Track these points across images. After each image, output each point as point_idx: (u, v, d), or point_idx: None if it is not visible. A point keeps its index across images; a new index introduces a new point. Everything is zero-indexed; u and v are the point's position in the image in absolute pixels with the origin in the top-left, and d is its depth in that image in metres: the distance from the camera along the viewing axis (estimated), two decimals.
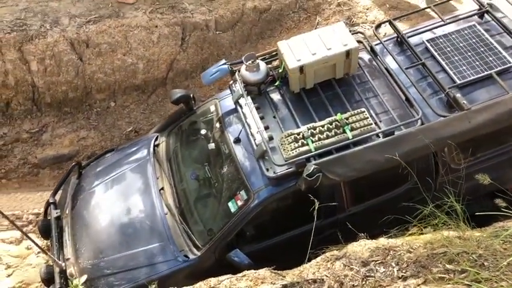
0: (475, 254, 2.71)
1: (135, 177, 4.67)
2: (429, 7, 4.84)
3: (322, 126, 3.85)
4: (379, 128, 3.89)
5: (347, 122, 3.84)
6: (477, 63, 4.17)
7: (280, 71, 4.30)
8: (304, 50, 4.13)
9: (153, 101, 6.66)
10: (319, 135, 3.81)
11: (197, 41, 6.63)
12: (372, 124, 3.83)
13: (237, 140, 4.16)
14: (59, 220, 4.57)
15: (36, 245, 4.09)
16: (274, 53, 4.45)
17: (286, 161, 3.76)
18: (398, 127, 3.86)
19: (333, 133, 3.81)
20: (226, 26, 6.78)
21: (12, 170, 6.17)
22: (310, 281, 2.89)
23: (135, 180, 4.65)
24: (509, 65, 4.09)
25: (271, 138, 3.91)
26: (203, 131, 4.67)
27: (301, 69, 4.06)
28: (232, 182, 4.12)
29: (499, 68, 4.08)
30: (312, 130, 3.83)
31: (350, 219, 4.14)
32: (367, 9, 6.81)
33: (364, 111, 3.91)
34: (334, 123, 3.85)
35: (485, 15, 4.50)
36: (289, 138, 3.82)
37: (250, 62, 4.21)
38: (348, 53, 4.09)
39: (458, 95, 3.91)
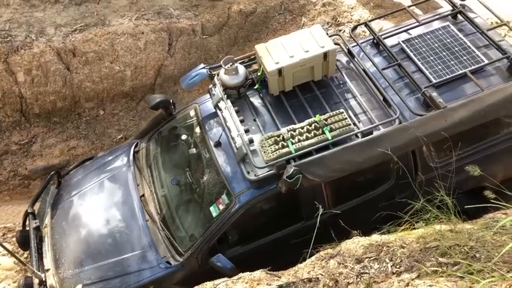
0: (467, 246, 2.72)
1: (115, 184, 4.60)
2: (404, 8, 4.90)
3: (302, 127, 3.85)
4: (358, 128, 3.90)
5: (326, 123, 3.84)
6: (452, 62, 4.22)
7: (259, 74, 4.29)
8: (282, 52, 4.13)
9: (142, 107, 6.63)
10: (299, 137, 3.80)
11: (184, 46, 6.63)
12: (350, 124, 3.84)
13: (218, 144, 4.13)
14: (38, 230, 4.47)
15: (14, 256, 4.00)
16: (253, 56, 4.44)
17: (267, 163, 3.74)
18: (377, 127, 3.89)
19: (312, 134, 3.81)
20: (213, 30, 6.80)
21: (3, 183, 6.09)
22: (305, 280, 2.89)
23: (115, 188, 4.58)
24: (482, 63, 4.15)
25: (251, 141, 3.89)
26: (183, 136, 4.63)
27: (280, 72, 4.06)
28: (214, 186, 4.08)
29: (473, 67, 4.13)
30: (292, 132, 3.83)
31: (332, 219, 4.15)
32: (351, 8, 6.85)
33: (342, 112, 3.92)
34: (313, 125, 3.85)
35: (459, 15, 4.58)
36: (270, 141, 3.81)
37: (228, 65, 4.19)
38: (325, 55, 4.11)
39: (434, 94, 3.95)
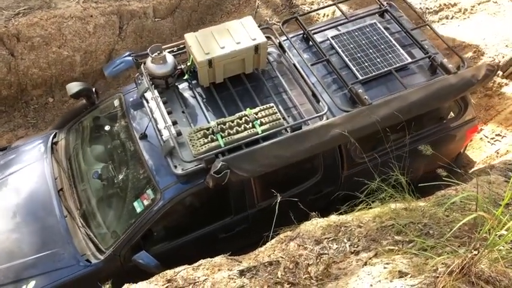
0: (421, 223, 2.76)
1: (31, 178, 4.22)
2: (334, 4, 4.91)
3: (232, 121, 3.73)
4: (288, 123, 3.85)
5: (256, 117, 3.75)
6: (378, 60, 4.28)
7: (188, 64, 4.11)
8: (213, 43, 3.96)
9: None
10: (229, 131, 3.68)
11: (136, 30, 6.32)
12: (280, 119, 3.78)
13: (143, 136, 3.90)
14: None
15: None
16: (182, 45, 4.24)
17: (195, 157, 3.57)
18: (305, 122, 3.87)
19: (242, 128, 3.70)
20: (165, 13, 6.51)
21: None
22: (266, 263, 2.85)
23: (30, 181, 4.20)
24: (406, 62, 4.25)
25: (179, 134, 3.71)
26: (106, 127, 4.31)
27: (210, 63, 3.90)
28: (138, 181, 3.85)
29: (397, 65, 4.20)
30: (222, 125, 3.69)
31: (260, 214, 4.09)
32: None
33: (273, 106, 3.84)
34: (243, 118, 3.74)
35: (385, 14, 4.66)
36: (198, 134, 3.65)
37: (156, 54, 3.96)
38: (256, 48, 4.00)
39: (360, 91, 3.99)
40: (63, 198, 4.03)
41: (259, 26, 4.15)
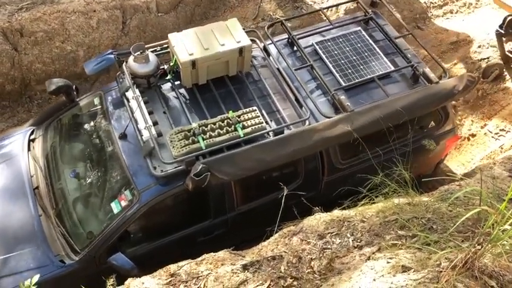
0: (424, 218, 2.75)
1: (6, 175, 4.10)
2: (319, 10, 4.91)
3: (214, 123, 3.68)
4: (270, 127, 3.82)
5: (239, 120, 3.71)
6: (361, 67, 4.28)
7: (171, 64, 4.04)
8: (197, 44, 3.91)
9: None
10: (211, 133, 3.63)
11: (139, 24, 6.22)
12: (263, 123, 3.75)
13: (123, 136, 3.82)
14: None
15: None
16: (166, 45, 4.18)
17: (175, 158, 3.52)
18: (288, 126, 3.84)
19: (224, 131, 3.65)
20: (168, 7, 6.43)
21: None
22: (269, 258, 2.82)
23: (5, 178, 4.08)
24: (389, 70, 4.27)
25: (160, 135, 3.64)
26: (85, 126, 4.21)
27: (194, 63, 3.85)
28: (116, 181, 3.76)
29: (380, 73, 4.23)
30: (203, 127, 3.64)
31: (240, 218, 4.05)
32: None
33: (255, 110, 3.81)
34: (226, 121, 3.70)
35: (370, 21, 4.68)
36: (180, 135, 3.59)
37: (138, 53, 3.89)
38: (241, 51, 3.97)
39: (342, 97, 3.98)
40: (39, 197, 3.92)
41: (244, 29, 4.12)
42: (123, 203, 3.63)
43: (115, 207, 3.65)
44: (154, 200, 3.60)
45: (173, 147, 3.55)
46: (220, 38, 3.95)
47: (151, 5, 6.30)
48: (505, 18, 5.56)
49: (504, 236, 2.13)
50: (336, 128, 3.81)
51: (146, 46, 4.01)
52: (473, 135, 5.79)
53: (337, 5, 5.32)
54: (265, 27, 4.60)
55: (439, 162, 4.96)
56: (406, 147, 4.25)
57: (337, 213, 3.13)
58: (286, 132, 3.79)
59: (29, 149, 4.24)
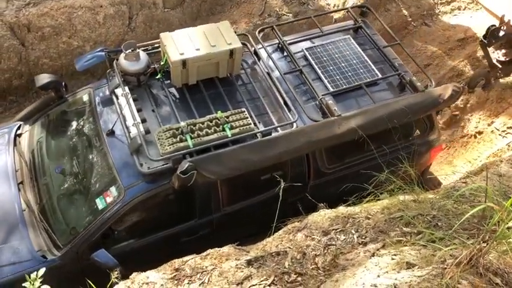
0: (429, 215, 2.73)
1: None
2: (310, 17, 4.97)
3: (202, 123, 3.68)
4: (258, 129, 3.83)
5: (227, 120, 3.71)
6: (349, 74, 4.33)
7: (162, 63, 4.05)
8: (188, 44, 3.93)
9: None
10: (199, 132, 3.62)
11: (145, 20, 6.20)
12: (251, 124, 3.75)
13: (111, 133, 3.80)
14: None
15: None
16: (157, 44, 4.19)
17: (162, 156, 3.51)
18: (275, 129, 3.86)
19: (212, 130, 3.65)
20: (175, 3, 6.41)
21: None
22: (273, 254, 2.80)
23: None
24: (376, 77, 4.32)
25: (148, 132, 3.63)
26: (73, 122, 4.19)
27: (184, 63, 3.85)
28: (102, 178, 3.72)
29: (368, 80, 4.27)
30: (192, 126, 3.63)
31: (225, 218, 4.04)
32: None
33: (244, 111, 3.82)
34: (214, 121, 3.70)
35: (359, 30, 4.75)
36: (167, 133, 3.58)
37: (129, 50, 3.89)
38: (231, 53, 3.99)
39: (330, 102, 4.02)
40: (23, 192, 3.87)
41: (235, 32, 4.15)
42: (108, 200, 3.59)
43: (100, 203, 3.61)
44: (140, 198, 3.58)
45: (161, 144, 3.54)
46: (211, 40, 3.97)
47: (158, 1, 6.31)
48: (488, 29, 5.63)
49: (510, 233, 2.13)
50: (322, 131, 3.84)
51: (138, 45, 4.01)
52: (480, 133, 5.73)
53: (329, 12, 5.36)
54: (256, 32, 4.63)
55: (423, 171, 5.00)
56: (391, 155, 4.30)
57: (342, 209, 3.12)
58: (274, 134, 3.80)
59: (15, 144, 4.19)
